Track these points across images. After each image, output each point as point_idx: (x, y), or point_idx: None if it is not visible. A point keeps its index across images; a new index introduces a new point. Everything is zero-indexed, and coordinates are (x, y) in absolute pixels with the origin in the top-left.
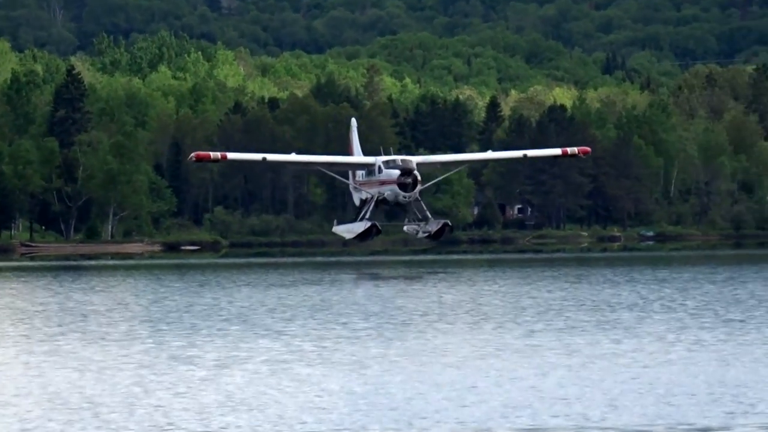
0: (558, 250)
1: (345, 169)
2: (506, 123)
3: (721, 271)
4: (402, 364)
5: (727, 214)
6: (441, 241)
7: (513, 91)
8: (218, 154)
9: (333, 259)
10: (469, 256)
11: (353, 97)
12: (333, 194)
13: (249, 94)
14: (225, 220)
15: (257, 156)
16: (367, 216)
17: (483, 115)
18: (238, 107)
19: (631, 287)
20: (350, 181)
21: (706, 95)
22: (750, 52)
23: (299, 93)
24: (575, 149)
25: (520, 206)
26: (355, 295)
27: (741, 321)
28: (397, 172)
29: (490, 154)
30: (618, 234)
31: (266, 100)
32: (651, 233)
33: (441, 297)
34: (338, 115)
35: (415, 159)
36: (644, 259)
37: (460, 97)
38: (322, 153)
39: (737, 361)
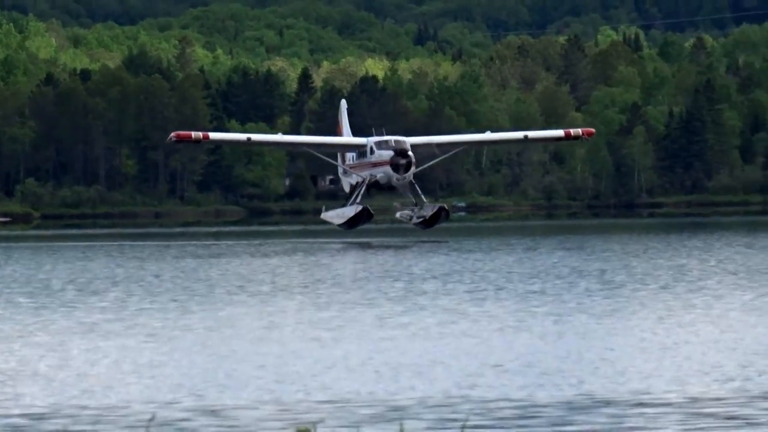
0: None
1: (334, 150)
2: (318, 94)
3: (526, 241)
4: (187, 336)
5: (539, 184)
6: (435, 227)
7: (325, 63)
8: (200, 134)
9: (143, 230)
10: (282, 227)
11: (165, 69)
12: (145, 166)
13: (61, 66)
14: (36, 191)
15: (242, 136)
16: (358, 200)
17: (295, 86)
18: (49, 79)
19: (435, 258)
20: (339, 165)
21: (517, 66)
22: (562, 23)
23: (111, 65)
24: (579, 131)
25: (332, 177)
26: (159, 267)
27: (536, 292)
28: (390, 152)
29: (488, 135)
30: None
31: (78, 72)
32: (463, 204)
33: (243, 269)
34: (150, 87)
35: (408, 140)
36: (455, 230)
37: (272, 68)
38: (133, 124)
39: (522, 334)
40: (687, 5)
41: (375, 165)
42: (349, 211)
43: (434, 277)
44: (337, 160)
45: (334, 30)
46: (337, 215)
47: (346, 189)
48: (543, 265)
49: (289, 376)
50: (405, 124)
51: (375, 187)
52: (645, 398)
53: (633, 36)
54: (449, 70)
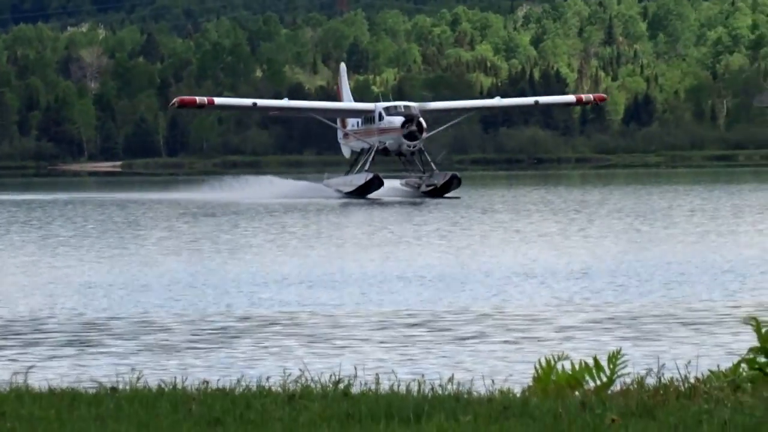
0: None
1: (340, 116)
2: None
3: None
4: None
5: None
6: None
7: None
8: (204, 99)
9: None
10: None
11: None
12: None
13: None
14: None
15: (247, 101)
16: (367, 167)
17: None
18: None
19: None
20: (338, 129)
21: None
22: None
23: None
24: (591, 96)
25: None
26: None
27: None
28: (400, 119)
29: (498, 101)
30: None
31: None
32: None
33: None
34: None
35: (417, 105)
36: None
37: None
38: None
39: None
40: None
41: (383, 131)
42: (358, 179)
43: None
44: (336, 124)
45: None
46: (344, 183)
47: (346, 155)
48: None
49: None
50: None
51: (383, 153)
52: None
53: None
54: None
